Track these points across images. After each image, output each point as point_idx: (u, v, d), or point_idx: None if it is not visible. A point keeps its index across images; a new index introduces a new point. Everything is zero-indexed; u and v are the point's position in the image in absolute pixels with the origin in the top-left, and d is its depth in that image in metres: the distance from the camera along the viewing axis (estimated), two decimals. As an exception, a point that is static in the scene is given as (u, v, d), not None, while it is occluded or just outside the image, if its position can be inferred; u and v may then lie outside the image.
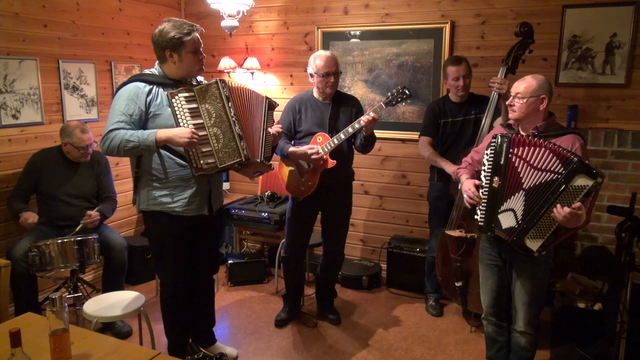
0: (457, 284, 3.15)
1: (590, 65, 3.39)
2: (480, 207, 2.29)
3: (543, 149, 2.09)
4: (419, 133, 3.45)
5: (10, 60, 3.28)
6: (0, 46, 3.24)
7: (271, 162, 2.61)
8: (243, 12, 3.86)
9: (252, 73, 4.33)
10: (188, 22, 2.39)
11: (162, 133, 2.28)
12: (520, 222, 2.15)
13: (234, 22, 3.82)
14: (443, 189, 3.34)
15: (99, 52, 3.91)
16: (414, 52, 3.87)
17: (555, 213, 2.02)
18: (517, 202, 2.17)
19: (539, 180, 2.10)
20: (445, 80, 3.31)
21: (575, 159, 2.02)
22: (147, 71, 2.48)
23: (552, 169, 2.07)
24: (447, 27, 3.71)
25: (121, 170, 4.17)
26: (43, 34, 3.49)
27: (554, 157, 2.06)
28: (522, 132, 2.32)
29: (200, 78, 2.61)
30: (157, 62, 2.47)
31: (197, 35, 2.39)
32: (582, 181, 2.00)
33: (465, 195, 2.35)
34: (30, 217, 3.06)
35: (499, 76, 3.00)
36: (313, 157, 2.92)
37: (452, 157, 3.22)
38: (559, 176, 2.04)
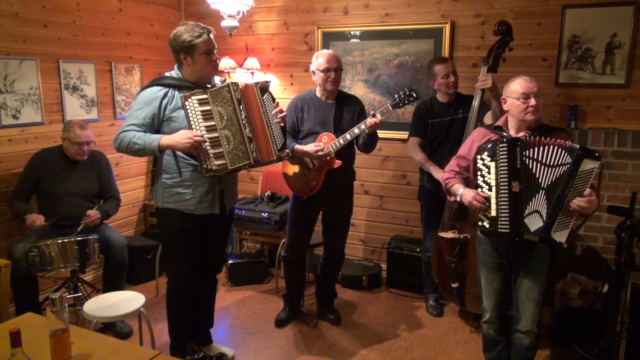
0: (454, 285, 3.15)
1: (590, 65, 3.39)
2: (501, 213, 2.23)
3: (550, 145, 2.15)
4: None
5: (11, 60, 3.28)
6: (1, 46, 3.24)
7: (287, 150, 2.56)
8: (243, 12, 3.86)
9: (252, 73, 4.33)
10: (201, 24, 2.44)
11: (165, 139, 2.37)
12: (545, 220, 2.16)
13: (234, 22, 3.82)
14: (433, 189, 3.35)
15: (99, 52, 3.91)
16: (414, 52, 3.87)
17: (574, 205, 2.10)
18: (539, 202, 2.18)
19: (555, 176, 2.15)
20: (432, 81, 3.32)
21: (577, 146, 2.11)
22: (167, 74, 2.55)
23: (562, 162, 2.14)
24: (447, 27, 3.71)
25: (121, 170, 4.17)
26: (43, 34, 3.49)
27: (561, 151, 2.14)
28: (514, 133, 2.31)
29: (217, 80, 2.63)
30: (176, 65, 2.53)
31: (208, 37, 2.44)
32: (589, 164, 2.09)
33: (474, 205, 2.29)
34: (38, 219, 3.05)
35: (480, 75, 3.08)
36: (318, 154, 2.93)
37: (440, 156, 3.24)
38: (569, 166, 2.11)
